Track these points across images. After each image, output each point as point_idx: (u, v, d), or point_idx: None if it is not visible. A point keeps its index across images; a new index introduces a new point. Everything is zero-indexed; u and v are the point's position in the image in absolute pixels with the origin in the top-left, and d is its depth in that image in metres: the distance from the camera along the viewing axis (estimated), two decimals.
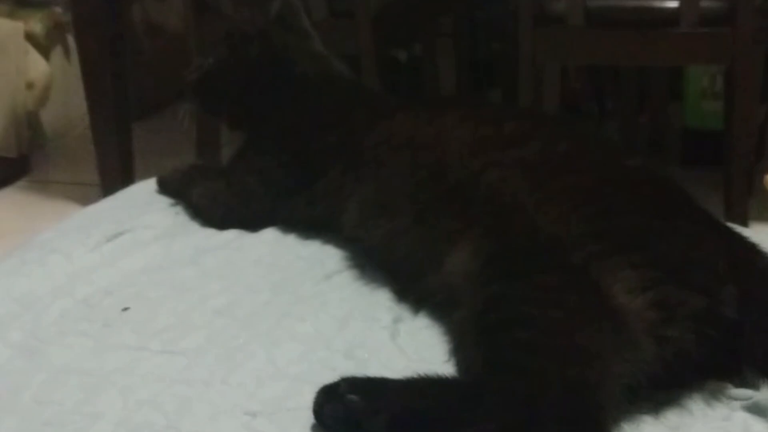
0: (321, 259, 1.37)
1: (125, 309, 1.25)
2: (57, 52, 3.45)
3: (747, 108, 2.40)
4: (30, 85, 3.28)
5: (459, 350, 1.11)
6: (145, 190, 1.69)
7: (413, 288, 1.24)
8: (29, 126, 3.32)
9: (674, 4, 2.33)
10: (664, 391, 1.05)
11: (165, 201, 1.58)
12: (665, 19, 2.36)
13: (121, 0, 2.76)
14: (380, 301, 1.25)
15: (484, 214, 1.18)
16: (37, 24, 3.31)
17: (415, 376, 1.02)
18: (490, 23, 3.41)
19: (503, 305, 1.06)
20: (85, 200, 2.94)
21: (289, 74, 1.55)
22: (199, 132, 2.83)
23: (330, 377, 1.04)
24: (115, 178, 2.86)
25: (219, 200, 1.52)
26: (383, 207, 1.31)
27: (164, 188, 1.67)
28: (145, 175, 2.89)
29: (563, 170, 1.21)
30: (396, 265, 1.28)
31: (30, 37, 3.28)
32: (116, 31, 2.78)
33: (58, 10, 3.39)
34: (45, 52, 3.35)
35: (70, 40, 3.46)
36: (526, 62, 2.45)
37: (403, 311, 1.23)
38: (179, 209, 1.56)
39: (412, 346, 1.16)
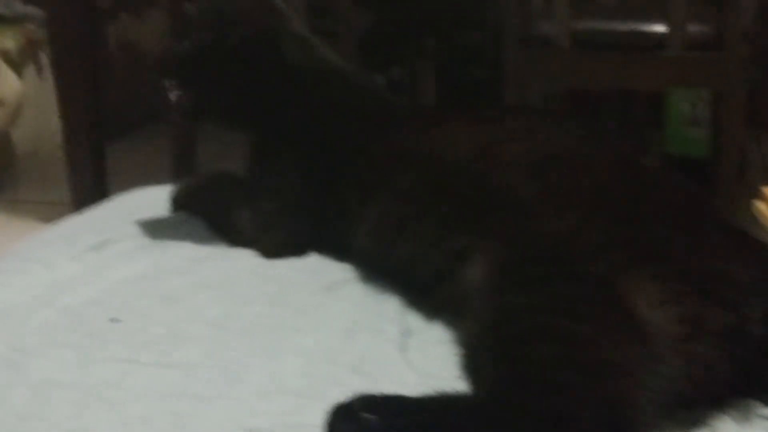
0: (319, 271, 1.28)
1: (113, 320, 1.16)
2: (29, 70, 3.35)
3: (734, 133, 2.35)
4: (1, 103, 3.18)
5: (472, 365, 1.02)
6: (126, 202, 1.59)
7: (423, 301, 1.16)
8: None
9: (662, 29, 2.29)
10: (691, 410, 0.98)
11: (149, 212, 1.48)
12: (653, 43, 2.31)
13: (97, 18, 2.66)
14: (386, 314, 1.16)
15: (495, 223, 1.10)
16: (9, 40, 3.21)
17: (433, 393, 0.94)
18: (471, 47, 3.35)
19: (520, 317, 0.98)
20: (56, 220, 2.85)
21: (280, 63, 1.39)
22: (175, 149, 2.73)
23: (337, 393, 0.96)
24: (87, 198, 2.76)
25: (277, 224, 1.36)
26: (396, 222, 1.21)
27: (180, 207, 1.49)
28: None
29: (576, 171, 1.14)
30: (405, 277, 1.20)
31: (2, 54, 3.19)
32: (92, 49, 2.68)
33: (32, 26, 3.30)
34: (17, 69, 3.25)
35: (43, 57, 3.37)
36: (510, 84, 2.39)
37: (411, 324, 1.14)
38: (166, 220, 1.46)
39: (422, 361, 1.07)
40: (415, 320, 1.15)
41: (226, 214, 1.38)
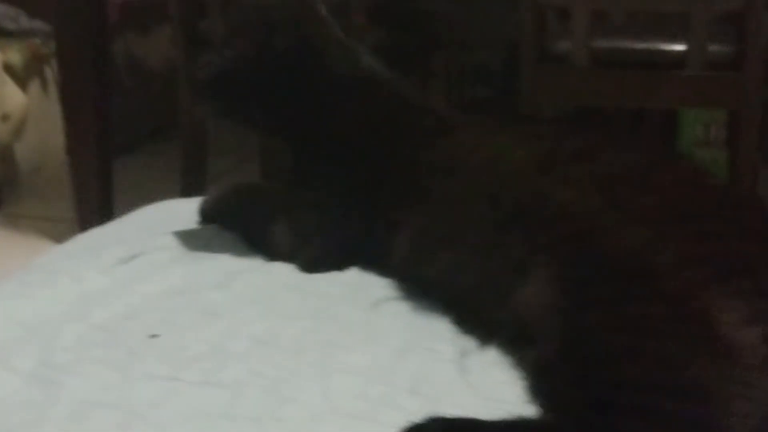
0: (363, 286, 1.20)
1: (152, 336, 1.07)
2: (34, 84, 3.25)
3: (749, 154, 2.29)
4: (5, 117, 3.08)
5: (546, 389, 0.93)
6: (150, 214, 1.50)
7: (477, 321, 1.07)
8: (2, 159, 3.11)
9: (681, 47, 2.22)
10: None
11: (176, 224, 1.39)
12: (672, 62, 2.25)
13: (104, 34, 2.58)
14: (439, 333, 1.08)
15: (558, 238, 1.01)
16: (15, 54, 3.12)
17: (506, 417, 0.87)
18: (481, 66, 3.28)
19: (598, 338, 0.90)
20: (59, 236, 2.74)
21: (324, 71, 1.30)
22: (185, 164, 2.65)
23: (394, 415, 0.89)
24: (93, 213, 2.67)
25: (316, 238, 1.26)
26: (441, 236, 1.14)
27: (210, 219, 1.39)
28: (125, 212, 2.74)
29: (642, 188, 1.06)
30: (456, 296, 1.11)
31: (7, 68, 3.09)
32: (100, 64, 2.59)
33: (37, 41, 3.21)
34: (22, 83, 3.16)
35: (49, 72, 3.28)
36: (527, 102, 2.32)
37: (467, 344, 1.06)
38: (196, 232, 1.37)
39: (483, 384, 0.98)
40: (467, 340, 1.06)
41: (261, 227, 1.29)
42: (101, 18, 2.57)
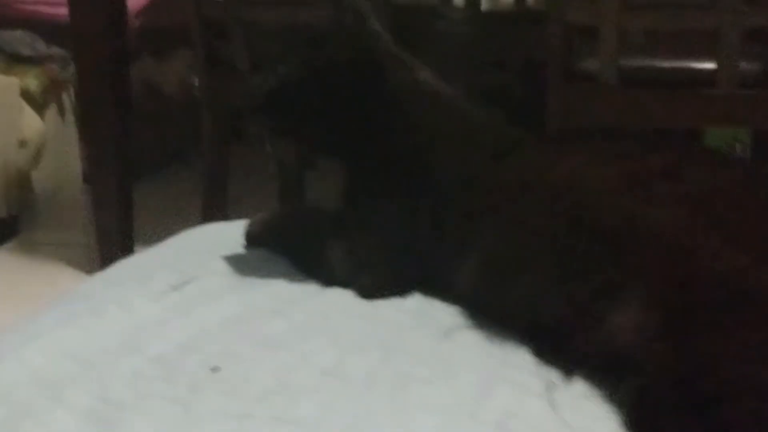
0: (430, 314, 1.10)
1: (214, 369, 0.97)
2: (51, 110, 3.16)
3: None
4: (23, 143, 2.99)
5: (648, 422, 0.84)
6: (193, 238, 1.41)
7: (561, 350, 0.98)
8: (19, 185, 3.01)
9: (711, 66, 2.13)
10: None
11: (222, 248, 1.29)
12: (701, 80, 2.16)
13: (124, 59, 2.50)
14: (521, 364, 0.98)
15: (652, 260, 0.92)
16: (32, 81, 3.03)
17: None
18: (498, 87, 3.19)
19: (714, 368, 0.80)
20: (77, 263, 2.66)
21: (382, 87, 1.20)
22: (206, 188, 2.55)
23: None
24: (113, 240, 2.58)
25: (376, 262, 1.17)
26: (516, 261, 1.04)
27: (257, 243, 1.30)
28: (144, 237, 2.64)
29: (736, 206, 0.97)
30: (536, 324, 1.01)
31: (25, 94, 3.00)
32: (119, 91, 2.51)
33: (54, 67, 3.12)
34: (40, 109, 3.06)
35: (65, 98, 3.19)
36: (554, 121, 2.23)
37: (552, 376, 0.96)
38: (245, 257, 1.27)
39: (577, 419, 0.89)
40: (551, 372, 0.97)
41: (315, 251, 1.20)
42: (121, 44, 2.49)
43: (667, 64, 2.23)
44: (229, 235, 1.34)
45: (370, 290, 1.14)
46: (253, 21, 2.40)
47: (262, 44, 2.49)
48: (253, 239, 1.30)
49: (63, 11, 2.49)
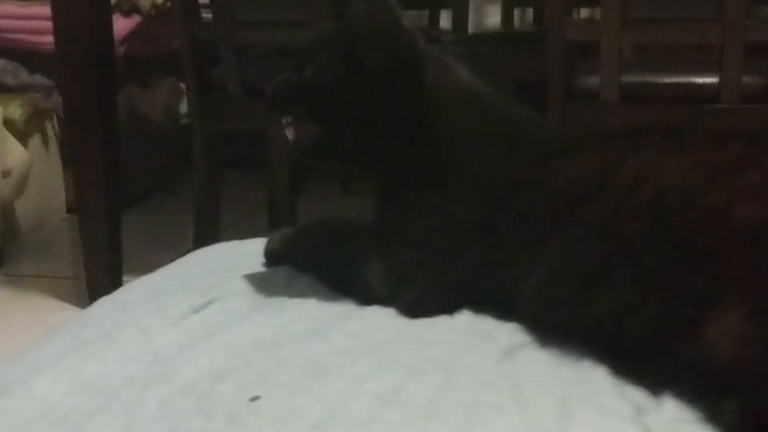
0: (487, 331, 0.95)
1: (254, 398, 0.82)
2: (35, 140, 2.99)
3: None
4: (6, 174, 2.81)
5: None
6: (208, 257, 1.26)
7: (647, 369, 0.83)
8: (3, 216, 2.84)
9: (713, 80, 2.02)
10: None
11: (241, 266, 1.15)
12: (704, 96, 2.04)
13: (111, 87, 2.35)
14: (601, 385, 0.83)
15: (751, 264, 0.78)
16: (16, 110, 2.86)
17: None
18: None
19: None
20: (62, 295, 2.49)
21: (421, 88, 1.06)
22: (197, 216, 2.40)
23: None
24: (101, 271, 2.42)
25: (420, 277, 1.01)
26: (588, 271, 0.89)
27: (280, 260, 1.15)
28: (132, 268, 2.49)
29: None
30: (615, 340, 0.87)
31: (8, 124, 2.83)
32: (107, 119, 2.36)
33: (38, 96, 2.95)
34: (23, 139, 2.89)
35: (49, 127, 3.02)
36: None
37: (639, 397, 0.82)
38: (270, 275, 1.12)
39: None
40: (637, 392, 0.82)
41: (349, 268, 1.05)
42: (107, 72, 2.35)
43: (669, 79, 2.11)
44: (246, 253, 1.20)
45: (415, 308, 1.00)
46: (245, 43, 2.27)
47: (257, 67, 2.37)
48: (274, 256, 1.15)
49: (46, 40, 2.35)
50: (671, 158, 0.91)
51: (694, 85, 2.08)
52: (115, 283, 2.39)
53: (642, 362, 0.83)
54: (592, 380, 0.84)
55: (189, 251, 2.39)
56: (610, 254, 0.88)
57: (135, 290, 1.14)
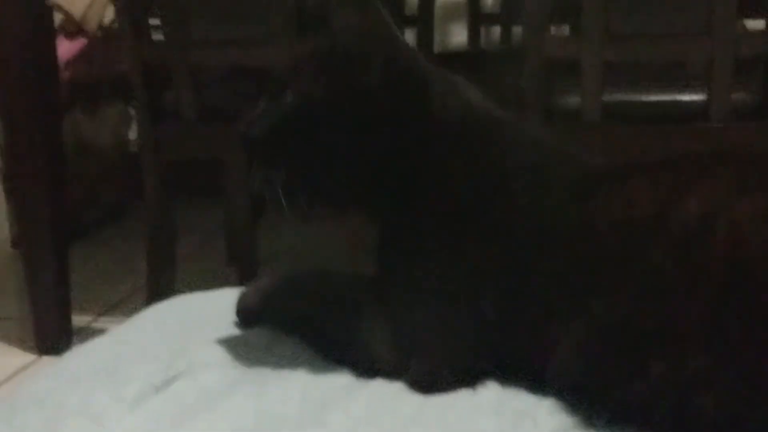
0: (520, 411, 0.75)
1: None
2: None
3: None
4: None
5: None
6: (166, 315, 1.04)
7: None
8: None
9: (700, 97, 1.87)
10: None
11: (215, 327, 0.94)
12: (691, 114, 1.89)
13: (56, 114, 2.15)
14: None
15: None
16: None
17: None
18: None
19: None
20: (7, 336, 2.28)
21: (428, 113, 0.87)
22: (151, 247, 2.18)
23: None
24: (49, 309, 2.22)
25: (432, 342, 0.82)
26: (645, 332, 0.71)
27: (257, 319, 0.94)
28: (81, 306, 2.28)
29: None
30: (683, 421, 0.68)
31: None
32: (52, 148, 2.16)
33: None
34: None
35: None
36: None
37: None
38: (245, 337, 0.92)
39: None
40: None
41: (345, 331, 0.85)
42: (51, 97, 2.15)
43: (654, 97, 1.95)
44: (214, 308, 0.99)
45: (429, 381, 0.80)
46: (200, 64, 2.07)
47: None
48: (250, 314, 0.95)
49: None
50: (742, 196, 0.73)
51: (679, 102, 1.93)
52: (63, 323, 2.19)
53: None
54: None
55: (142, 286, 2.20)
56: (676, 312, 0.69)
57: (82, 358, 0.92)
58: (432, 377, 0.80)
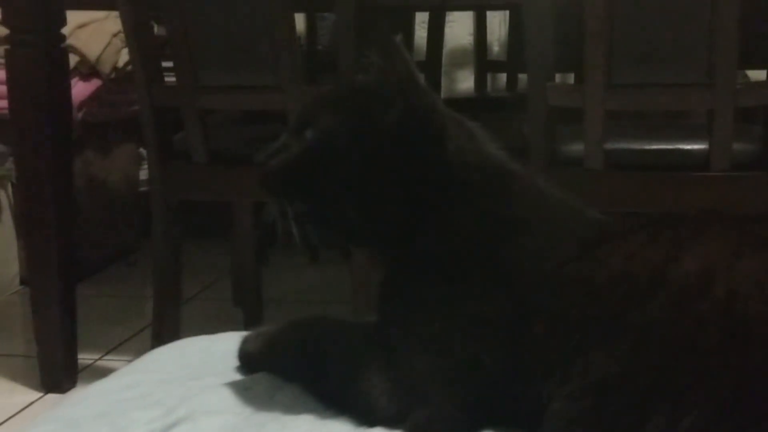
0: None
1: None
2: None
3: None
4: None
5: None
6: (167, 360, 1.03)
7: None
8: None
9: (701, 146, 1.86)
10: None
11: (218, 372, 0.93)
12: (692, 163, 1.88)
13: (67, 154, 2.15)
14: None
15: None
16: None
17: None
18: None
19: None
20: (13, 374, 2.26)
21: (443, 157, 0.85)
22: (157, 286, 2.17)
23: None
24: (55, 348, 2.20)
25: (435, 392, 0.79)
26: (652, 389, 0.69)
27: (259, 365, 0.93)
28: (87, 344, 2.26)
29: None
30: None
31: None
32: (62, 187, 2.16)
33: None
34: None
35: (3, 195, 2.79)
36: None
37: None
38: (246, 383, 0.90)
39: None
40: None
41: (346, 379, 0.83)
42: (63, 137, 2.15)
43: (656, 146, 1.94)
44: (217, 353, 0.98)
45: (427, 430, 0.78)
46: (210, 108, 2.07)
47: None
48: (252, 361, 0.93)
49: (1, 104, 2.13)
50: (743, 253, 0.71)
51: (681, 151, 1.92)
52: (69, 361, 2.17)
53: None
54: None
55: (148, 326, 2.19)
56: (672, 367, 0.67)
57: (84, 403, 0.90)
58: (432, 426, 0.78)
